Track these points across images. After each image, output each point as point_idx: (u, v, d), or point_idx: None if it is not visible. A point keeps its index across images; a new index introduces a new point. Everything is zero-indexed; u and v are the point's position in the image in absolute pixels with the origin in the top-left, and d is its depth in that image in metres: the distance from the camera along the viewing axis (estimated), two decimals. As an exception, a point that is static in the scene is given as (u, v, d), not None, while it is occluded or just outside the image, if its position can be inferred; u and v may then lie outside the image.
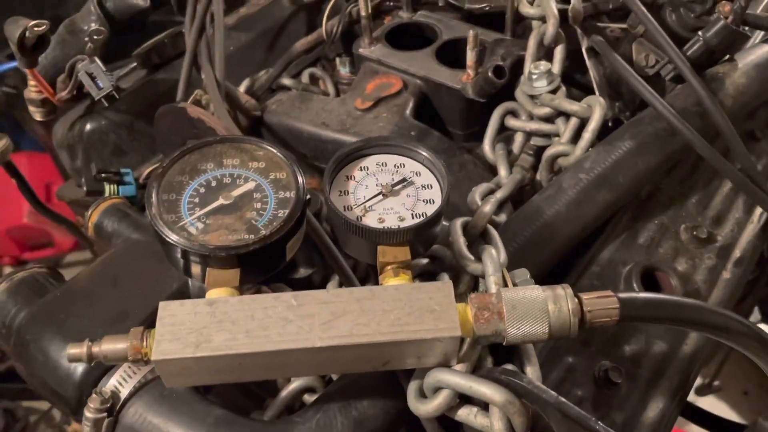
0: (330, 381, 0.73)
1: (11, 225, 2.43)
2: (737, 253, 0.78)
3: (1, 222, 2.43)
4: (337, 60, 1.10)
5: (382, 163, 0.62)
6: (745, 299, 1.30)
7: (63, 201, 1.09)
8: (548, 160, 0.82)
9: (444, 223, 0.64)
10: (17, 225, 2.43)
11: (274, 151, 0.61)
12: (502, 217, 0.74)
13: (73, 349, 0.52)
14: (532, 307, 0.51)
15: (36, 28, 0.80)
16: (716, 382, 2.00)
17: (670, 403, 0.67)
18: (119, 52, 1.07)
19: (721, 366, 1.97)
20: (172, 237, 0.54)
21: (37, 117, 0.96)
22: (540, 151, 0.86)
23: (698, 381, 2.02)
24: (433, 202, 0.60)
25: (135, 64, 1.06)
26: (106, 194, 0.87)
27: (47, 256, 2.53)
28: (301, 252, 0.76)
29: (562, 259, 0.72)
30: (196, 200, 0.58)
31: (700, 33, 0.80)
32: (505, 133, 0.90)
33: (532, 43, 0.88)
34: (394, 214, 0.59)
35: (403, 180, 0.61)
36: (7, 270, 2.64)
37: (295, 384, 0.73)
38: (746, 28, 0.84)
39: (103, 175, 0.88)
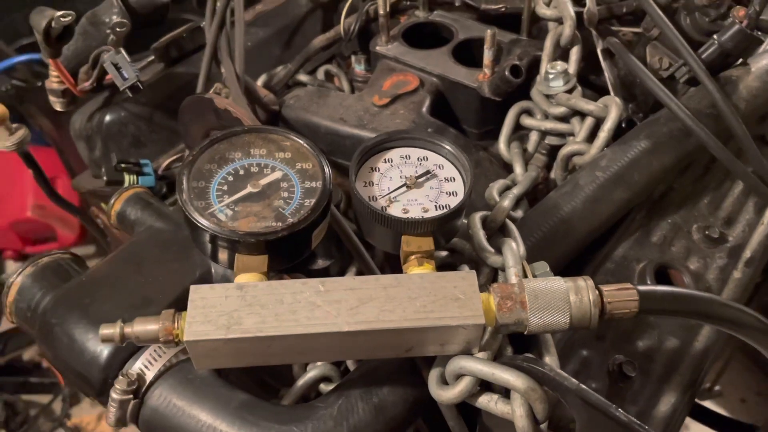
0: (346, 371, 0.75)
1: (15, 219, 2.43)
2: (748, 253, 0.79)
3: (5, 216, 2.43)
4: (353, 58, 1.11)
5: (406, 156, 0.64)
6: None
7: (79, 192, 1.10)
8: (563, 159, 0.83)
9: (463, 220, 0.65)
10: (21, 219, 2.43)
11: (301, 141, 0.63)
12: (518, 213, 0.75)
13: (106, 330, 0.53)
14: (554, 298, 0.53)
15: (62, 19, 0.82)
16: (716, 387, 2.01)
17: (682, 398, 0.68)
18: (136, 47, 1.09)
19: (721, 372, 1.98)
20: (203, 222, 0.56)
21: (57, 107, 0.98)
22: (554, 150, 0.87)
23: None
24: (456, 195, 0.61)
25: (152, 57, 1.07)
26: (126, 184, 0.89)
27: (50, 251, 2.54)
28: (320, 243, 0.78)
29: (578, 255, 0.74)
30: (225, 188, 0.59)
31: (715, 36, 0.81)
32: (519, 132, 0.92)
33: (548, 43, 0.89)
34: (418, 205, 0.60)
35: (427, 172, 0.62)
36: (10, 264, 2.65)
37: (312, 373, 0.74)
38: (760, 33, 0.86)
39: (123, 165, 0.89)
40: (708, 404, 2.06)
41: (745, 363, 2.06)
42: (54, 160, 2.30)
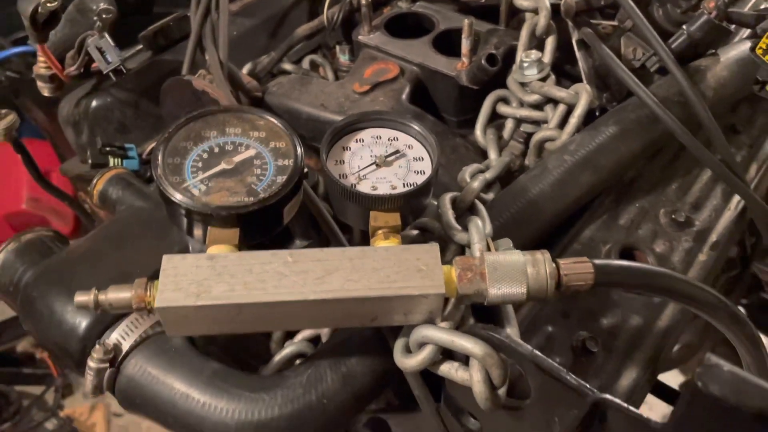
0: (322, 348, 0.77)
1: (9, 211, 2.45)
2: (713, 237, 0.82)
3: (0, 208, 2.45)
4: (337, 48, 1.13)
5: (377, 136, 0.66)
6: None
7: (67, 176, 1.12)
8: (536, 145, 0.85)
9: (434, 202, 0.67)
10: (15, 211, 2.45)
11: (275, 121, 0.65)
12: (489, 196, 0.77)
13: (81, 297, 0.55)
14: (512, 269, 0.55)
15: (48, 4, 0.84)
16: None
17: (643, 373, 0.70)
18: (125, 38, 1.11)
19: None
20: (177, 197, 0.58)
21: (45, 92, 1.00)
22: (529, 138, 0.89)
23: (682, 378, 2.06)
24: (424, 173, 0.63)
25: (141, 46, 1.10)
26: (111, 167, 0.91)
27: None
28: (298, 225, 0.80)
29: (546, 237, 0.76)
30: (200, 164, 0.61)
31: (684, 27, 0.84)
32: (496, 121, 0.94)
33: (524, 33, 0.91)
34: (387, 182, 0.62)
35: (396, 152, 0.65)
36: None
37: (288, 350, 0.76)
38: (732, 26, 0.88)
39: (107, 148, 0.91)
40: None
41: (728, 355, 2.08)
42: (49, 152, 2.32)
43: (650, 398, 1.02)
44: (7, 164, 2.43)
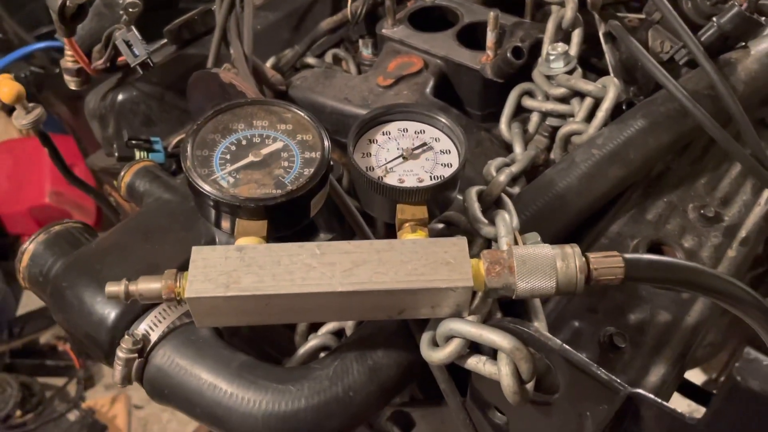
0: (346, 341, 0.77)
1: (33, 205, 2.48)
2: (743, 233, 0.80)
3: (24, 201, 2.48)
4: (360, 41, 1.13)
5: (404, 129, 0.66)
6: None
7: (92, 170, 1.14)
8: (562, 138, 0.85)
9: (459, 197, 0.67)
10: (39, 205, 2.48)
11: (302, 113, 0.65)
12: (515, 190, 0.77)
13: (111, 287, 0.55)
14: (541, 263, 0.54)
15: (76, -2, 0.84)
16: (722, 379, 2.01)
17: (672, 370, 0.69)
18: (150, 32, 1.12)
19: (728, 363, 1.98)
20: (206, 188, 0.58)
21: (72, 86, 1.00)
22: (554, 132, 0.89)
23: (704, 377, 2.04)
24: (451, 166, 0.63)
25: (165, 40, 1.10)
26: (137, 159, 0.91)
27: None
28: (322, 218, 0.80)
29: (573, 231, 0.75)
30: (228, 157, 0.62)
31: (714, 19, 0.82)
32: (522, 115, 0.93)
33: (550, 25, 0.90)
34: (414, 175, 0.62)
35: (423, 144, 0.64)
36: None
37: (312, 342, 0.76)
38: (763, 18, 0.87)
39: (134, 141, 0.92)
40: (715, 396, 2.06)
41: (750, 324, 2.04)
42: (72, 147, 2.35)
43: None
44: (30, 159, 2.47)
